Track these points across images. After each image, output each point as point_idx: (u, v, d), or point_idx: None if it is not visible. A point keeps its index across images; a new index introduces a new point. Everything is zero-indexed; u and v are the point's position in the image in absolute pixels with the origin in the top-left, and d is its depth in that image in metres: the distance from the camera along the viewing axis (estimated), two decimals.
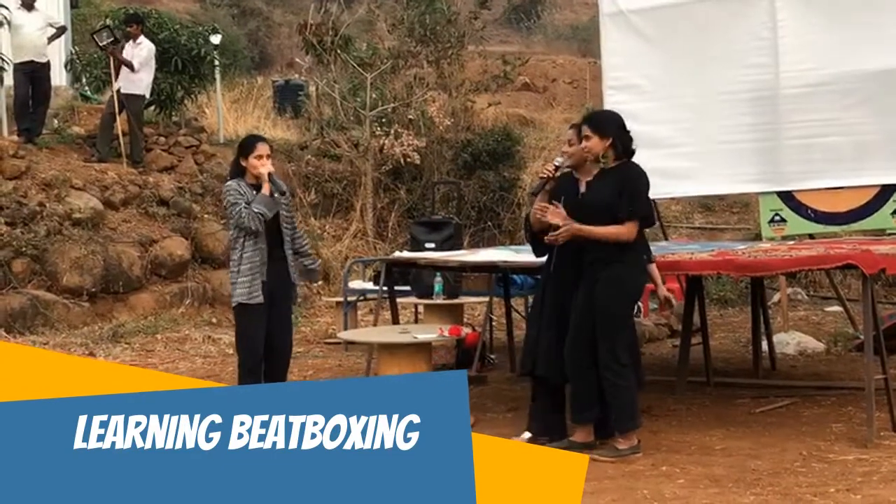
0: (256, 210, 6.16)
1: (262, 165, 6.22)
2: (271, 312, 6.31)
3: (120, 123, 12.69)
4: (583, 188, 5.99)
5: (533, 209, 6.10)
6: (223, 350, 10.07)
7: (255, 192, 6.21)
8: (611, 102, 9.17)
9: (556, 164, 6.06)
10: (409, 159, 14.34)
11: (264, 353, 6.35)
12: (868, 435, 5.84)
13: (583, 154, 5.96)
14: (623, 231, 5.70)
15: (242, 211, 6.16)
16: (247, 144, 6.39)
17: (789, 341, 9.49)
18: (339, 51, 15.09)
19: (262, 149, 6.28)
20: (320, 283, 6.48)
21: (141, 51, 12.50)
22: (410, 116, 14.93)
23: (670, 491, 4.99)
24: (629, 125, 6.00)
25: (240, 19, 25.10)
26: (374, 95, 14.69)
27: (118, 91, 12.52)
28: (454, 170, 15.27)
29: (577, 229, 5.71)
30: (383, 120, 14.63)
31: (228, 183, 6.43)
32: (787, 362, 8.95)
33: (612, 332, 5.70)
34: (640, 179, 5.84)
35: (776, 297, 11.60)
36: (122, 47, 12.66)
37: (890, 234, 8.36)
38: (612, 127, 5.88)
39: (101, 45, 12.79)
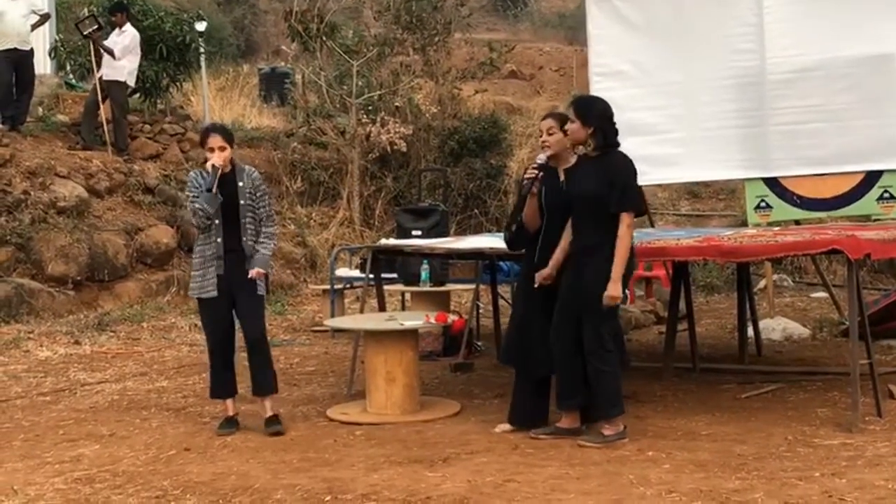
0: (197, 206, 6.09)
1: (211, 158, 6.14)
2: (238, 304, 6.25)
3: (104, 111, 12.63)
4: (561, 176, 5.99)
5: (526, 211, 6.08)
6: None
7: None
8: (597, 89, 9.15)
9: (540, 161, 6.05)
10: (395, 147, 14.33)
11: (246, 344, 6.33)
12: (853, 420, 5.86)
13: (562, 143, 5.96)
14: (626, 234, 5.67)
15: (189, 205, 6.14)
16: (201, 135, 6.36)
17: (775, 327, 9.53)
18: (325, 38, 15.05)
19: (213, 141, 6.16)
20: (266, 272, 6.19)
21: (124, 38, 12.44)
22: (397, 104, 14.91)
23: (656, 476, 5.00)
24: (615, 112, 5.94)
25: (225, 7, 24.98)
26: (360, 83, 14.65)
27: (101, 79, 12.46)
28: (441, 157, 15.26)
29: (616, 286, 5.60)
30: (370, 107, 14.61)
31: (190, 173, 6.41)
32: (773, 348, 8.99)
33: (598, 319, 5.70)
34: (629, 170, 5.79)
35: (762, 284, 11.63)
36: (108, 35, 12.60)
37: (875, 220, 8.38)
38: (595, 115, 5.85)
39: (84, 33, 12.73)
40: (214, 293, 6.18)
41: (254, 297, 6.26)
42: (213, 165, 6.11)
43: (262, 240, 6.29)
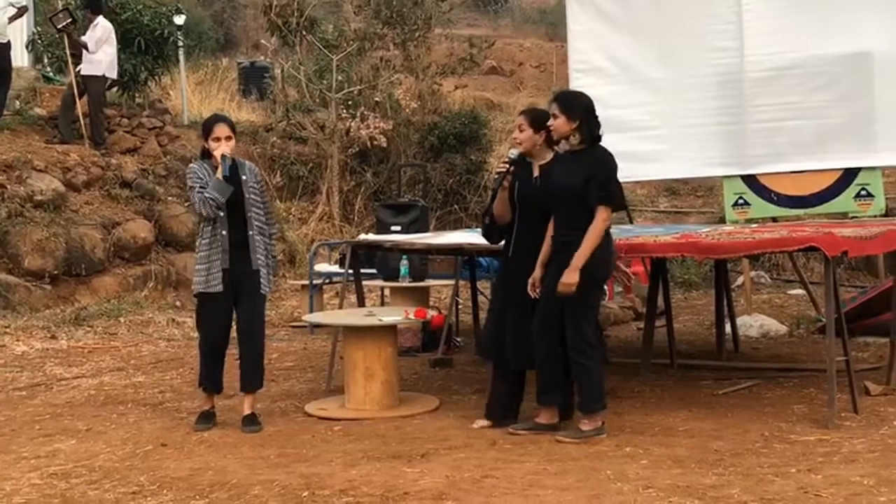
0: (207, 195, 6.04)
1: (218, 147, 6.10)
2: (239, 300, 6.21)
3: (81, 106, 12.55)
4: (536, 172, 6.00)
5: (496, 204, 6.09)
6: (187, 333, 10.01)
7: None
8: (577, 86, 9.16)
9: (511, 156, 6.06)
10: (375, 142, 14.31)
11: (239, 339, 6.30)
12: (829, 416, 5.89)
13: (533, 140, 5.97)
14: (600, 227, 5.67)
15: (196, 195, 6.09)
16: (207, 125, 6.28)
17: (752, 324, 9.57)
18: (304, 32, 15.02)
19: (220, 130, 6.13)
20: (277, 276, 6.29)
21: (96, 31, 12.36)
22: (377, 99, 14.88)
23: (634, 472, 5.02)
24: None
25: (204, 0, 24.86)
26: (340, 78, 14.61)
27: (78, 72, 12.39)
28: (421, 153, 15.25)
29: (573, 274, 5.58)
30: (349, 102, 14.58)
31: (191, 164, 6.36)
32: (750, 344, 9.02)
33: (580, 314, 5.70)
34: (609, 164, 5.79)
35: (740, 280, 11.68)
36: (84, 30, 12.52)
37: (853, 218, 8.42)
38: (580, 109, 5.85)
39: (58, 27, 12.64)
40: (220, 287, 6.13)
41: (257, 296, 6.23)
42: (223, 154, 6.07)
43: (269, 243, 6.31)
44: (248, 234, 6.17)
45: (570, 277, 5.60)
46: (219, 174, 6.05)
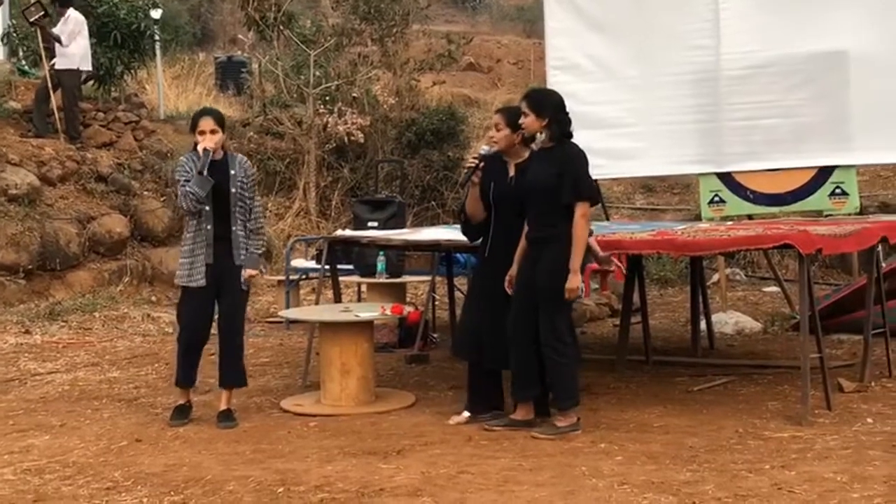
0: (188, 189, 6.02)
1: (202, 141, 6.07)
2: (221, 295, 6.18)
3: (56, 99, 12.47)
4: (512, 171, 6.01)
5: (468, 201, 6.10)
6: (162, 329, 9.97)
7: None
8: (554, 83, 9.20)
9: (483, 152, 6.07)
10: (352, 138, 14.28)
11: (219, 334, 6.27)
12: (803, 413, 5.93)
13: (509, 139, 5.98)
14: (582, 224, 5.68)
15: (179, 189, 6.06)
16: (193, 119, 6.27)
17: (727, 321, 9.62)
18: (282, 27, 14.97)
19: (204, 123, 6.10)
20: (260, 270, 6.24)
21: (67, 24, 12.28)
22: (354, 95, 14.84)
23: (608, 468, 5.03)
24: (572, 105, 5.98)
25: None
26: (317, 73, 14.57)
27: (52, 66, 12.30)
28: (398, 149, 15.23)
29: (574, 278, 5.62)
30: (327, 98, 14.53)
31: (181, 157, 6.32)
32: (725, 341, 9.07)
33: (554, 310, 5.71)
34: (580, 160, 5.80)
35: (715, 277, 11.73)
36: (56, 24, 12.44)
37: (827, 216, 8.48)
38: (549, 107, 5.86)
39: (30, 20, 12.54)
40: (203, 282, 6.10)
41: (238, 292, 6.19)
42: (205, 148, 6.03)
43: (252, 238, 6.23)
44: (231, 230, 6.14)
45: (574, 282, 5.64)
46: (202, 170, 6.02)
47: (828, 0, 8.52)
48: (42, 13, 12.41)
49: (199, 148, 6.05)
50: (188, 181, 6.03)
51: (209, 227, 6.10)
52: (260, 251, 6.33)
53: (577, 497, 4.60)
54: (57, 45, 12.24)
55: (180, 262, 6.19)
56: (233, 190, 6.13)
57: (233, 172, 6.16)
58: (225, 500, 4.72)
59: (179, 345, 6.35)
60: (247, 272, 6.16)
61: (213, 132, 6.09)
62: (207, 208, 6.08)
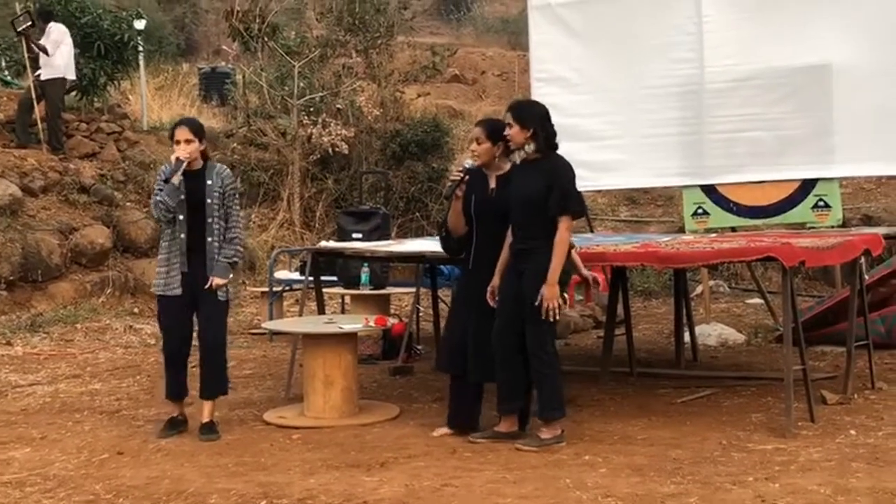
0: (158, 198, 6.03)
1: (177, 151, 6.05)
2: (200, 308, 6.15)
3: (39, 110, 12.43)
4: (492, 184, 6.01)
5: (450, 215, 6.09)
6: (144, 340, 9.92)
7: (181, 177, 6.02)
8: (538, 95, 9.21)
9: (466, 166, 6.06)
10: (337, 149, 14.28)
11: (199, 345, 6.24)
12: (786, 425, 5.93)
13: (490, 152, 5.98)
14: (565, 237, 5.69)
15: (152, 198, 6.07)
16: (171, 128, 6.25)
17: (711, 333, 9.63)
18: (266, 39, 14.96)
19: (179, 133, 6.07)
20: (231, 279, 6.22)
21: (50, 35, 12.26)
22: (339, 106, 14.85)
23: (592, 480, 5.02)
24: (556, 118, 5.97)
25: (165, 5, 24.70)
26: (301, 84, 14.57)
27: (37, 78, 12.26)
28: (382, 160, 15.24)
29: (552, 288, 5.61)
30: (311, 109, 14.53)
31: (162, 166, 6.31)
32: (709, 353, 9.08)
33: (538, 322, 5.71)
34: (567, 174, 5.80)
35: (699, 289, 11.76)
36: (40, 37, 12.41)
37: (810, 228, 8.51)
38: (534, 118, 5.86)
39: (18, 30, 12.51)
40: (179, 291, 6.08)
41: (216, 302, 6.14)
42: (178, 158, 6.01)
43: (225, 246, 6.15)
44: (206, 240, 6.11)
45: (551, 292, 5.62)
46: (174, 179, 6.00)
47: (810, 13, 8.56)
48: (30, 23, 12.38)
49: (173, 157, 6.05)
50: (161, 190, 6.02)
51: (183, 236, 6.09)
52: (231, 260, 6.20)
53: None
54: (42, 55, 12.20)
55: (157, 271, 6.20)
56: (208, 200, 6.09)
57: (209, 182, 6.12)
58: None
59: (163, 354, 6.34)
60: (214, 281, 6.07)
61: (188, 142, 6.06)
62: (182, 217, 6.06)
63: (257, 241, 13.71)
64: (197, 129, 6.17)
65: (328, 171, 14.99)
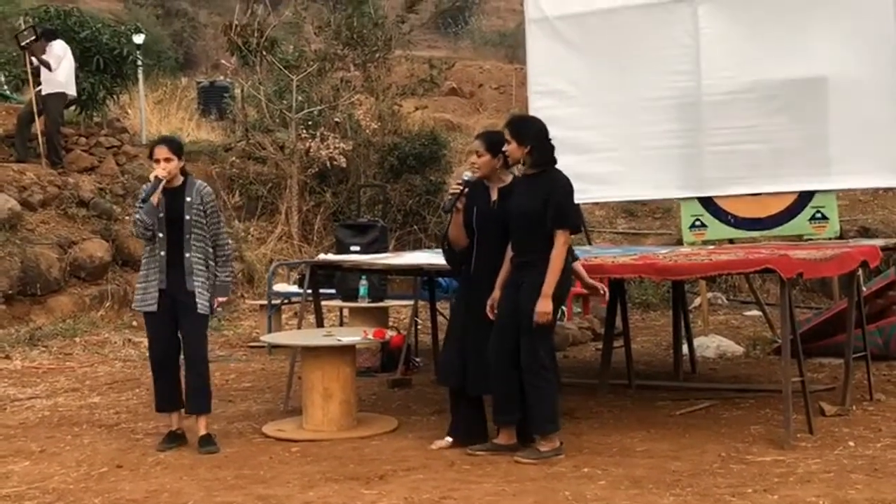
0: (137, 216, 6.10)
1: (156, 169, 6.11)
2: (180, 323, 6.18)
3: (38, 124, 12.45)
4: (494, 196, 6.02)
5: (451, 228, 6.11)
6: (143, 354, 9.86)
7: (160, 195, 6.08)
8: (536, 108, 9.23)
9: (465, 178, 6.08)
10: (335, 162, 14.29)
11: (184, 360, 6.26)
12: (785, 436, 5.94)
13: (491, 164, 6.00)
14: (561, 251, 5.70)
15: (133, 216, 6.13)
16: (150, 147, 6.34)
17: (709, 344, 9.63)
18: (264, 53, 14.98)
19: (158, 152, 6.14)
20: (229, 297, 6.38)
21: (53, 51, 12.29)
22: (337, 119, 14.87)
23: (592, 492, 5.03)
24: (554, 130, 5.99)
25: (164, 20, 24.78)
26: (300, 98, 14.60)
27: (38, 93, 12.29)
28: (380, 173, 15.26)
29: (545, 302, 5.62)
30: (309, 123, 14.55)
31: (144, 185, 6.35)
32: (707, 365, 9.08)
33: (535, 335, 5.71)
34: (565, 187, 5.82)
35: (697, 302, 11.76)
36: (43, 49, 12.45)
37: (807, 240, 8.52)
38: (531, 134, 5.88)
39: (22, 44, 12.54)
40: (154, 308, 6.13)
41: (195, 317, 6.16)
42: (156, 176, 6.07)
43: (220, 266, 6.28)
44: (185, 256, 6.14)
45: (544, 306, 5.63)
46: (154, 198, 6.04)
47: (806, 26, 8.58)
48: (34, 38, 12.42)
49: (152, 176, 6.12)
50: (141, 208, 6.08)
51: (162, 253, 6.14)
52: (229, 278, 6.39)
53: None
54: (44, 70, 12.23)
55: (136, 287, 6.28)
56: (187, 217, 6.13)
57: (188, 199, 6.15)
58: None
59: (151, 369, 6.38)
60: (217, 300, 6.25)
61: (167, 160, 6.11)
62: (161, 235, 6.12)
63: (256, 255, 13.71)
64: (176, 148, 6.24)
65: (326, 185, 15.01)
